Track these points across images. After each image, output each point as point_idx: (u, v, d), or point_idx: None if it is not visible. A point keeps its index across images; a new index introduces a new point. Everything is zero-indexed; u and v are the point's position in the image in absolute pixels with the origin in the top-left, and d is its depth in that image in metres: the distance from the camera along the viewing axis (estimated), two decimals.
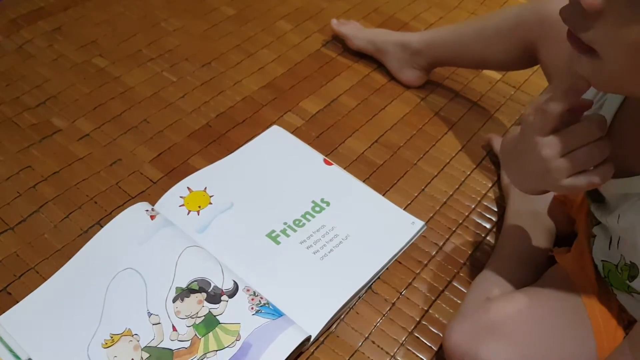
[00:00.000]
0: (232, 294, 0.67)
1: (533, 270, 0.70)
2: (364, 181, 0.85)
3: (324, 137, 0.92)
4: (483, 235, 0.81)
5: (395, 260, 0.76)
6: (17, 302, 0.67)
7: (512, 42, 0.83)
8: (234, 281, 0.68)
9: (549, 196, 0.78)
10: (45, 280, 0.69)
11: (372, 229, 0.78)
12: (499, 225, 0.81)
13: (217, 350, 0.63)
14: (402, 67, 1.00)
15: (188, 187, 0.80)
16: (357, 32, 1.05)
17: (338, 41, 1.09)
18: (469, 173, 0.88)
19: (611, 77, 0.42)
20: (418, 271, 0.76)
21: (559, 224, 0.76)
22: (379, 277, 0.74)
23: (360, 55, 1.06)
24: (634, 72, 0.40)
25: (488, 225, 0.82)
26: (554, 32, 0.74)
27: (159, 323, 0.66)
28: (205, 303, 0.67)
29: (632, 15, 0.37)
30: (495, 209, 0.84)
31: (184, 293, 0.68)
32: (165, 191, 0.80)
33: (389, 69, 1.02)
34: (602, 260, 0.60)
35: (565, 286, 0.62)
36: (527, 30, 0.80)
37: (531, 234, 0.75)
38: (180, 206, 0.78)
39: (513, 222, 0.77)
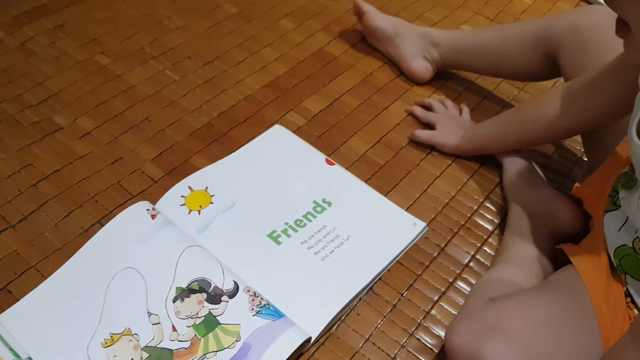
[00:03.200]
0: (233, 294, 0.67)
1: (536, 272, 0.70)
2: (365, 181, 0.85)
3: (326, 137, 0.91)
4: (485, 236, 0.80)
5: (397, 261, 0.76)
6: (18, 300, 0.67)
7: (534, 51, 0.84)
8: (234, 281, 0.68)
9: (549, 198, 0.78)
10: (46, 278, 0.69)
11: (374, 229, 0.78)
12: (501, 226, 0.81)
13: (217, 351, 0.63)
14: (415, 55, 0.99)
15: (189, 187, 0.80)
16: (380, 12, 1.04)
17: (341, 40, 1.09)
18: (471, 174, 0.88)
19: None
20: (419, 272, 0.75)
21: (565, 225, 0.75)
22: (380, 278, 0.74)
23: (364, 54, 1.06)
24: None
25: (490, 227, 0.81)
26: (584, 39, 0.76)
27: (159, 323, 0.65)
28: (206, 303, 0.66)
29: None
30: (498, 211, 0.83)
31: (184, 293, 0.67)
32: (167, 190, 0.79)
33: (401, 56, 1.01)
34: (615, 248, 0.60)
35: (572, 287, 0.62)
36: (552, 39, 0.81)
37: (533, 235, 0.74)
38: (181, 205, 0.78)
39: (515, 224, 0.77)
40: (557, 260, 0.71)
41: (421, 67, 0.99)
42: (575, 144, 0.93)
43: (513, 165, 0.84)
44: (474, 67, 0.99)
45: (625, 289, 0.60)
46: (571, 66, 0.79)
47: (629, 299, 0.60)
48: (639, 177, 0.57)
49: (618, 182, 0.62)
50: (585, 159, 0.89)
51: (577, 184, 0.84)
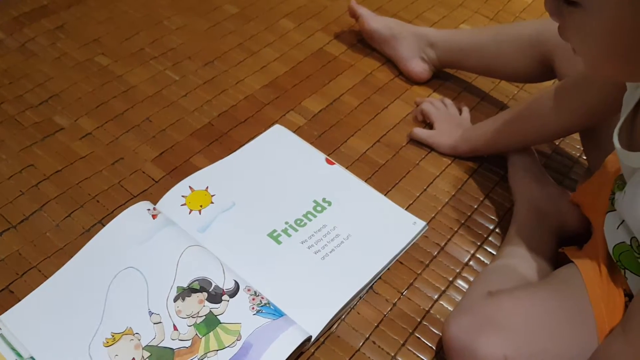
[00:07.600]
0: (233, 293, 0.67)
1: (539, 268, 0.70)
2: (365, 181, 0.85)
3: (326, 136, 0.91)
4: (485, 235, 0.80)
5: (397, 260, 0.76)
6: (19, 300, 0.68)
7: (529, 53, 0.85)
8: (235, 281, 0.68)
9: (556, 195, 0.79)
10: (47, 278, 0.70)
11: (374, 229, 0.78)
12: (501, 225, 0.81)
13: (217, 350, 0.63)
14: (413, 57, 1.00)
15: (190, 186, 0.81)
16: (374, 14, 1.05)
17: (341, 40, 1.09)
18: (471, 173, 0.88)
19: (594, 33, 0.47)
20: (419, 271, 0.76)
21: (571, 223, 0.76)
22: (380, 277, 0.74)
23: (363, 54, 1.06)
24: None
25: (490, 226, 0.82)
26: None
27: (160, 322, 0.66)
28: (206, 303, 0.67)
29: None
30: (498, 210, 0.84)
31: (185, 292, 0.68)
32: (167, 190, 0.80)
33: (398, 57, 1.01)
34: (614, 245, 0.60)
35: (571, 284, 0.62)
36: (547, 42, 0.81)
37: (538, 232, 0.75)
38: (181, 205, 0.78)
39: (521, 220, 0.77)
40: (559, 260, 0.72)
41: (418, 68, 1.00)
42: (575, 142, 0.94)
43: (519, 160, 0.85)
44: (470, 68, 0.99)
45: (624, 289, 0.60)
46: (565, 71, 0.79)
47: (627, 299, 0.60)
48: (626, 177, 0.57)
49: (615, 185, 0.62)
50: (585, 158, 0.89)
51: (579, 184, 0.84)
